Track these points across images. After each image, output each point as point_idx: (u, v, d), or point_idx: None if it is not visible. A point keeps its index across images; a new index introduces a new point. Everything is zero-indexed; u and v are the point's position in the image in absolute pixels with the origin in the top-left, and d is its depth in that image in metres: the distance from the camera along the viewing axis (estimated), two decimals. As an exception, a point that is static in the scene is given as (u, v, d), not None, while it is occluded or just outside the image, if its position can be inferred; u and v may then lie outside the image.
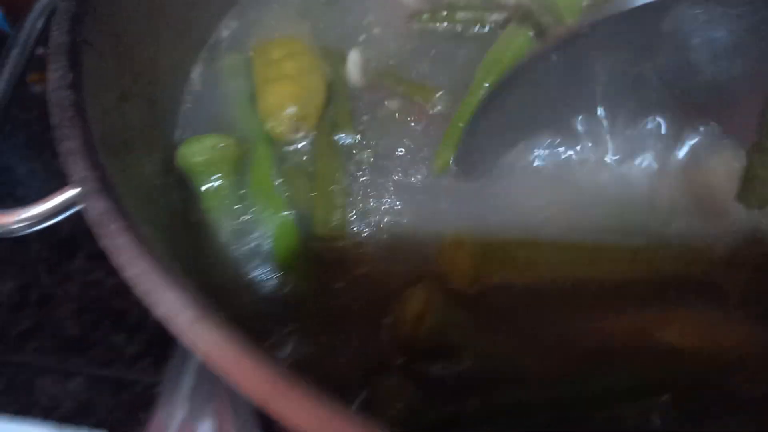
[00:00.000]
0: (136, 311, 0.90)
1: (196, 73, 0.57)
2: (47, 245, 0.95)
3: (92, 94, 0.38)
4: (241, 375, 0.27)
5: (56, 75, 0.36)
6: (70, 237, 0.95)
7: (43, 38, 0.54)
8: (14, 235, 0.43)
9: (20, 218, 0.43)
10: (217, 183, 0.49)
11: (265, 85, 0.52)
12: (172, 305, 0.29)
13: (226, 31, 0.60)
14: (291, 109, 0.50)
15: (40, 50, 0.52)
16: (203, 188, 0.48)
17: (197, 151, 0.49)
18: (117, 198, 0.32)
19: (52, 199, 0.43)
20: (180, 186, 0.51)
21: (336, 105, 0.53)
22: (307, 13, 0.60)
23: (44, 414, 0.82)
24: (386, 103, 0.53)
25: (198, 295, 0.30)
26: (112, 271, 0.95)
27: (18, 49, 0.50)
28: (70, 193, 0.43)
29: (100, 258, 0.96)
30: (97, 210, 0.31)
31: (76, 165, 0.33)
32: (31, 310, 0.89)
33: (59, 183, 1.07)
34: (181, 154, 0.49)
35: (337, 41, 0.58)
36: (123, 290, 0.95)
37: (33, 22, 0.52)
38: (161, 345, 0.88)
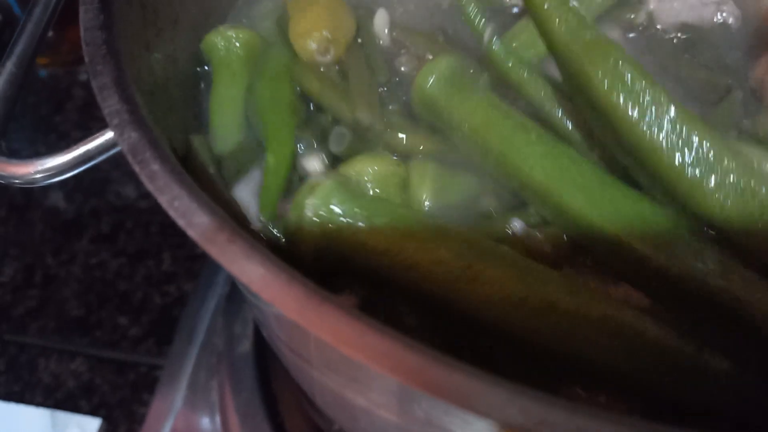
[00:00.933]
0: (140, 293, 0.90)
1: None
2: (52, 227, 0.95)
3: (121, 37, 0.38)
4: (276, 290, 0.27)
5: (88, 16, 0.37)
6: (75, 218, 0.95)
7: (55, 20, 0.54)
8: (36, 185, 0.43)
9: (42, 168, 0.43)
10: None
11: (298, 12, 0.54)
12: (207, 226, 0.29)
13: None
14: (323, 31, 0.52)
15: (50, 33, 0.52)
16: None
17: (219, 32, 0.53)
18: (149, 128, 0.32)
19: (73, 150, 0.43)
20: (199, 121, 0.52)
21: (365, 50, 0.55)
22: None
23: (46, 393, 0.81)
24: (405, 60, 0.54)
25: (227, 216, 0.30)
26: (117, 254, 0.96)
27: (30, 29, 0.50)
28: (92, 144, 0.43)
29: (104, 240, 0.96)
30: (132, 139, 0.32)
31: (111, 98, 0.33)
32: (35, 291, 0.89)
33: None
34: (208, 37, 0.53)
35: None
36: (127, 272, 0.96)
37: (45, 3, 0.52)
38: (164, 327, 0.88)
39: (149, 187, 0.31)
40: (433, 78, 0.44)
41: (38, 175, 0.43)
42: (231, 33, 0.53)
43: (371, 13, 0.58)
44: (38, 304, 0.89)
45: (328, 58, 0.53)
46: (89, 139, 0.43)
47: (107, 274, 0.91)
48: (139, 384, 0.84)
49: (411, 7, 0.58)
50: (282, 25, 0.57)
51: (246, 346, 0.70)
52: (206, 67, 0.54)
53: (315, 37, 0.52)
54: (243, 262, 0.28)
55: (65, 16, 0.52)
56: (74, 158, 0.43)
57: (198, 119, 0.52)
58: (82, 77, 1.06)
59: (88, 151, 0.43)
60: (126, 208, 0.95)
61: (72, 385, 0.84)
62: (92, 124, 1.03)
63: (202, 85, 0.54)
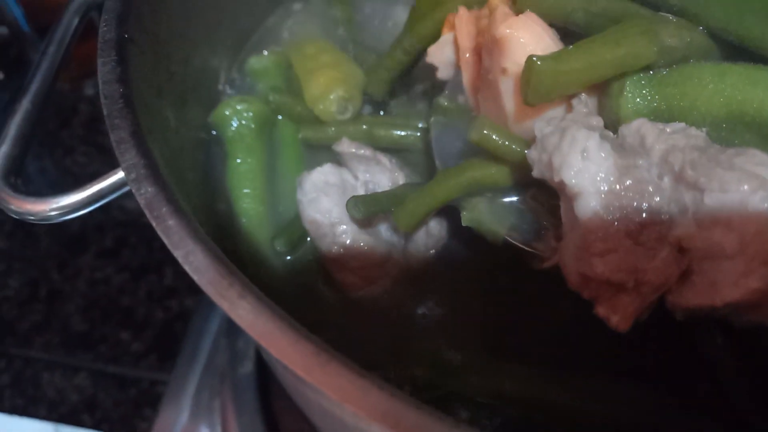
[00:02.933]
0: (143, 308, 0.92)
1: (224, 75, 0.60)
2: (57, 242, 0.97)
3: (137, 88, 0.40)
4: (283, 348, 0.29)
5: (106, 69, 0.38)
6: (80, 234, 0.97)
7: (76, 37, 0.56)
8: (50, 222, 0.45)
9: (57, 206, 0.44)
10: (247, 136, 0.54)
11: (308, 75, 0.56)
12: (220, 282, 0.31)
13: (254, 37, 0.63)
14: (339, 91, 0.54)
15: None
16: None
17: (229, 105, 0.54)
18: (166, 183, 0.34)
19: (87, 189, 0.45)
20: (209, 184, 0.54)
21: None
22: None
23: (50, 407, 0.83)
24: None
25: (240, 272, 0.32)
26: (121, 269, 0.98)
27: (54, 47, 0.52)
28: (104, 183, 0.44)
29: (108, 255, 0.97)
30: (149, 194, 0.33)
31: (128, 152, 0.35)
32: (40, 306, 0.90)
33: (70, 180, 1.10)
34: (218, 110, 0.54)
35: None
36: (130, 287, 0.98)
37: (68, 21, 0.54)
38: (166, 342, 0.89)
39: (165, 241, 0.32)
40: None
41: (53, 213, 0.45)
42: (241, 106, 0.54)
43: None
44: (43, 318, 0.91)
45: (348, 115, 0.55)
46: (103, 177, 0.45)
47: (111, 289, 0.93)
48: (141, 399, 0.85)
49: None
50: (288, 78, 0.59)
51: (248, 366, 0.71)
52: (213, 132, 0.56)
53: (333, 101, 0.54)
54: (252, 318, 0.30)
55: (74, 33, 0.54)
56: (88, 196, 0.45)
57: (212, 187, 0.54)
58: (89, 92, 1.08)
59: (101, 189, 0.45)
60: (129, 223, 0.97)
61: (75, 400, 0.85)
62: (98, 139, 1.04)
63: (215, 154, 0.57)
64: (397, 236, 0.51)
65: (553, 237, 0.43)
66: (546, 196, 0.43)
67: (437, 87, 0.52)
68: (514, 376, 0.47)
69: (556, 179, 0.36)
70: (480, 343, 0.49)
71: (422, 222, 0.49)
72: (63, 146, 1.05)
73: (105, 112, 0.37)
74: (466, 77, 0.47)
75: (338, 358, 0.28)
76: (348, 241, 0.49)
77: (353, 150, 0.52)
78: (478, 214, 0.44)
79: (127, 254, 0.94)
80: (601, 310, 0.35)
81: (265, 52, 0.61)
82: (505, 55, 0.40)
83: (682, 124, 0.37)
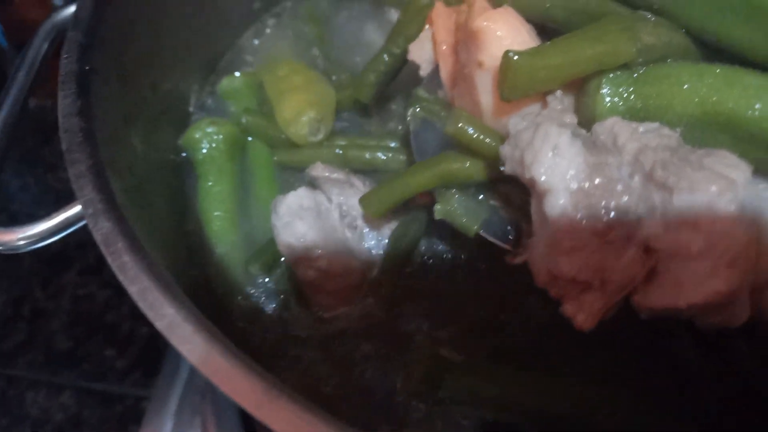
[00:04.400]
0: (127, 325, 0.92)
1: (195, 97, 0.60)
2: (40, 259, 0.96)
3: (99, 119, 0.40)
4: (233, 384, 0.29)
5: (66, 102, 0.39)
6: (63, 251, 0.97)
7: (47, 60, 0.56)
8: (18, 251, 0.45)
9: (24, 235, 0.45)
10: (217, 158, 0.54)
11: (279, 97, 0.56)
12: (172, 319, 0.31)
13: (225, 58, 0.63)
14: (310, 113, 0.54)
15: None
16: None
17: (199, 128, 0.54)
18: (122, 218, 0.34)
19: (55, 217, 0.45)
20: (180, 206, 0.54)
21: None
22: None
23: (35, 427, 0.83)
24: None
25: (196, 309, 0.32)
26: (104, 286, 0.97)
27: (24, 71, 0.52)
28: (72, 211, 0.45)
29: (92, 272, 0.97)
30: (104, 230, 0.34)
31: (85, 187, 0.35)
32: (24, 324, 0.90)
33: (52, 197, 1.08)
34: (188, 133, 0.54)
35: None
36: (114, 304, 0.97)
37: (39, 44, 0.54)
38: (151, 359, 0.89)
39: (120, 277, 0.33)
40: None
41: (21, 242, 0.45)
42: (211, 129, 0.55)
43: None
44: (27, 337, 0.91)
45: (320, 136, 0.55)
46: (69, 206, 0.45)
47: (95, 306, 0.92)
48: (127, 416, 0.85)
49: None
50: (260, 100, 0.59)
51: (228, 384, 0.71)
52: (183, 154, 0.56)
53: (304, 123, 0.54)
54: (204, 356, 0.30)
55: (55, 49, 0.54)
56: (55, 225, 0.45)
57: (183, 209, 0.54)
58: (71, 108, 1.08)
59: (68, 218, 0.45)
60: (113, 240, 0.96)
61: (60, 418, 0.85)
62: (81, 156, 1.04)
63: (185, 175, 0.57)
64: (374, 253, 0.52)
65: (525, 234, 0.43)
66: (519, 193, 0.43)
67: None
68: (491, 379, 0.47)
69: (527, 176, 0.36)
70: (458, 347, 0.49)
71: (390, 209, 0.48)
72: (45, 163, 1.05)
73: (64, 147, 0.37)
74: (444, 71, 0.47)
75: (287, 394, 0.28)
76: (324, 265, 0.49)
77: (326, 174, 0.52)
78: (451, 207, 0.44)
79: (109, 271, 0.93)
80: (567, 309, 0.36)
81: (237, 73, 0.61)
82: (482, 48, 0.40)
83: (656, 124, 0.37)
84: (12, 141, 0.51)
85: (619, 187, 0.35)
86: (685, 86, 0.37)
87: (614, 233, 0.35)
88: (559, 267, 0.35)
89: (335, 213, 0.51)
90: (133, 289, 0.32)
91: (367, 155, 0.55)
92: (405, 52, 0.52)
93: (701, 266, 0.32)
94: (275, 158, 0.57)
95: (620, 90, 0.38)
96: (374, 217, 0.50)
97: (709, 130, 0.37)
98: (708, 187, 0.31)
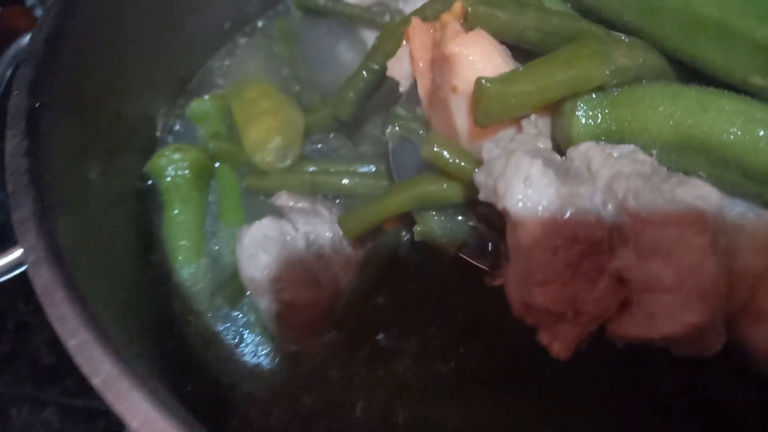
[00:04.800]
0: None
1: (162, 122, 0.59)
2: (23, 274, 0.95)
3: (49, 157, 0.39)
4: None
5: (13, 142, 0.38)
6: (48, 265, 0.96)
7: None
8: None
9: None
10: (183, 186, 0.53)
11: (246, 123, 0.55)
12: (109, 375, 0.30)
13: (195, 79, 0.62)
14: (276, 139, 0.53)
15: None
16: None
17: (164, 155, 0.53)
18: (65, 266, 0.33)
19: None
20: (144, 235, 0.53)
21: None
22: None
23: (18, 442, 0.82)
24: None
25: (136, 364, 0.31)
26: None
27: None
28: (16, 254, 0.43)
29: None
30: (44, 279, 0.33)
31: (28, 233, 0.34)
32: (7, 338, 0.90)
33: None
34: (153, 161, 0.53)
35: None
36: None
37: (3, 71, 0.53)
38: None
39: (57, 329, 0.32)
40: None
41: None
42: (176, 155, 0.54)
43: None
44: (10, 351, 0.90)
45: (288, 162, 0.54)
46: (13, 249, 0.43)
47: (79, 321, 0.92)
48: (110, 431, 0.85)
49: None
50: (229, 123, 0.58)
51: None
52: (149, 181, 0.56)
53: (271, 150, 0.53)
54: (141, 415, 0.29)
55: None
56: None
57: (147, 238, 0.53)
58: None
59: (9, 262, 0.43)
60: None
61: (43, 434, 0.85)
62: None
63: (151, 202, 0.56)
64: (341, 281, 0.51)
65: (503, 255, 0.42)
66: (498, 214, 0.41)
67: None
68: (454, 406, 0.47)
69: (500, 206, 0.36)
70: (424, 373, 0.49)
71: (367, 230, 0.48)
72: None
73: (9, 189, 0.36)
74: (422, 87, 0.46)
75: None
76: (288, 297, 0.48)
77: (291, 203, 0.51)
78: (430, 228, 0.45)
79: (93, 285, 0.94)
80: (543, 338, 0.35)
81: (206, 96, 0.60)
82: (455, 73, 0.40)
83: (631, 147, 0.37)
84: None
85: (592, 219, 0.35)
86: (660, 109, 0.37)
87: (587, 264, 0.35)
88: (533, 298, 0.35)
89: (301, 242, 0.50)
90: (71, 343, 0.31)
91: (337, 181, 0.54)
92: (383, 68, 0.51)
93: (673, 299, 0.32)
94: (243, 184, 0.56)
95: (595, 113, 0.38)
96: (350, 239, 0.49)
97: (684, 153, 0.37)
98: (678, 221, 0.31)
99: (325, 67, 0.63)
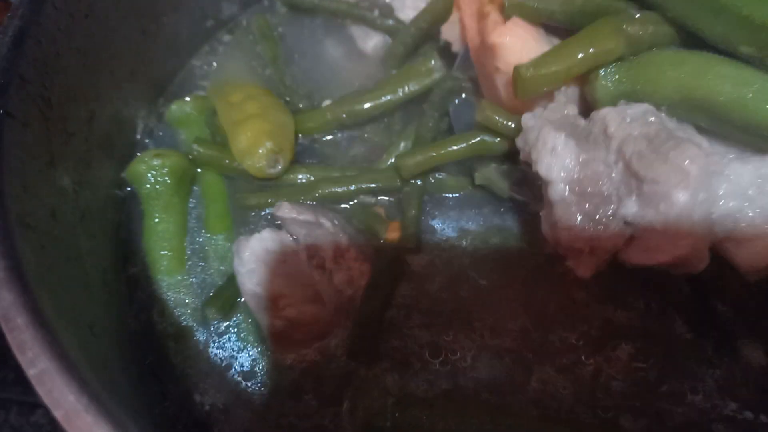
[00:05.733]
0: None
1: (142, 125, 0.57)
2: (11, 274, 0.94)
3: (13, 171, 0.37)
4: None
5: (-27, 154, 0.36)
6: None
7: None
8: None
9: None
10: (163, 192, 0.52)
11: (234, 127, 0.53)
12: (71, 408, 0.28)
13: (175, 80, 0.60)
14: (267, 144, 0.51)
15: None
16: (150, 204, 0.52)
17: (143, 161, 0.52)
18: (28, 289, 0.32)
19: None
20: (123, 245, 0.51)
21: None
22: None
23: (7, 447, 0.81)
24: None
25: (107, 391, 0.30)
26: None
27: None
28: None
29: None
30: (4, 301, 0.31)
31: (-13, 252, 0.32)
32: (-6, 341, 0.89)
33: None
34: (132, 167, 0.52)
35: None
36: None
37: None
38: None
39: (18, 358, 0.30)
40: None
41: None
42: (156, 161, 0.51)
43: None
44: (-2, 354, 0.89)
45: (279, 168, 0.52)
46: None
47: (67, 322, 0.91)
48: (100, 435, 0.84)
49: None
50: (212, 127, 0.56)
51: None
52: (128, 188, 0.53)
53: (261, 155, 0.51)
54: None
55: None
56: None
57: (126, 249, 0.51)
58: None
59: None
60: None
61: (33, 438, 0.84)
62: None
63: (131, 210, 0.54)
64: (344, 294, 0.49)
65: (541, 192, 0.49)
66: None
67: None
68: (443, 414, 0.46)
69: (534, 169, 0.44)
70: (417, 384, 0.47)
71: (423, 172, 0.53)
72: None
73: (-32, 206, 0.34)
74: (473, 53, 0.53)
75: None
76: (293, 314, 0.47)
77: (294, 215, 0.49)
78: (488, 174, 0.53)
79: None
80: (570, 263, 0.45)
81: (188, 98, 0.57)
82: (498, 57, 0.48)
83: (643, 108, 0.44)
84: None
85: (605, 178, 0.43)
86: (667, 73, 0.43)
87: (601, 213, 0.43)
88: (560, 239, 0.45)
89: (303, 255, 0.48)
90: (31, 372, 0.29)
91: (335, 190, 0.53)
92: (430, 27, 0.57)
93: (664, 239, 0.41)
94: (242, 202, 0.54)
95: (614, 78, 0.45)
96: (407, 177, 0.52)
97: (688, 110, 0.43)
98: (668, 180, 0.40)
99: (311, 66, 0.61)
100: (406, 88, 0.55)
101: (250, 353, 0.48)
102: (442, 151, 0.52)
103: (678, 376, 0.47)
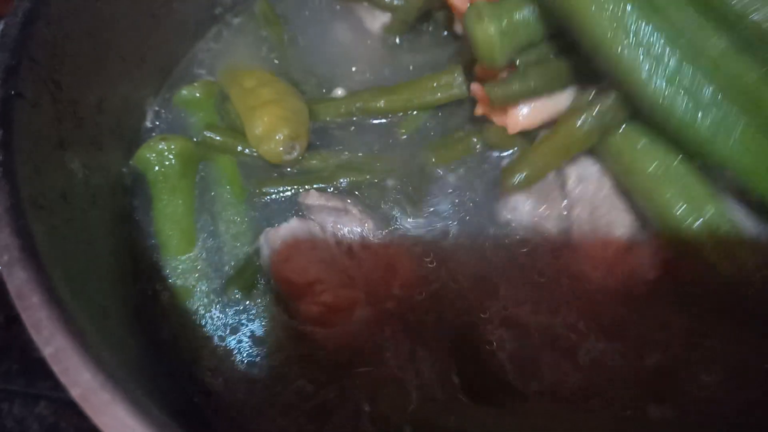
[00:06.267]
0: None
1: (150, 110, 0.57)
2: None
3: (24, 150, 0.37)
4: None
5: (-15, 133, 0.35)
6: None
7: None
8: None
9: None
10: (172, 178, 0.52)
11: (250, 113, 0.52)
12: (88, 386, 0.28)
13: (182, 65, 0.60)
14: (284, 130, 0.51)
15: None
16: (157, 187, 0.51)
17: (150, 146, 0.52)
18: (41, 267, 0.31)
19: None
20: (125, 227, 0.51)
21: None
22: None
23: (11, 438, 0.81)
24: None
25: (117, 372, 0.29)
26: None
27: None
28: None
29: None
30: (19, 280, 0.31)
31: (2, 231, 0.32)
32: (-2, 332, 0.88)
33: None
34: (139, 153, 0.52)
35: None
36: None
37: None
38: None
39: (34, 336, 0.30)
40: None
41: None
42: (162, 146, 0.51)
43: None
44: (1, 346, 0.89)
45: (295, 154, 0.52)
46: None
47: (71, 314, 0.90)
48: (104, 426, 0.83)
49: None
50: (222, 112, 0.55)
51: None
52: (137, 173, 0.53)
53: (278, 141, 0.51)
54: (122, 428, 0.27)
55: None
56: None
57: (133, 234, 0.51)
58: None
59: None
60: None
61: (36, 429, 0.83)
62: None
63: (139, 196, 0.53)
64: (374, 283, 0.49)
65: None
66: None
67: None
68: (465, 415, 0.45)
69: None
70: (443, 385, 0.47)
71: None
72: None
73: (-20, 185, 0.34)
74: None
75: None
76: (330, 299, 0.47)
77: (322, 202, 0.49)
78: None
79: (85, 277, 0.92)
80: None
81: (196, 83, 0.57)
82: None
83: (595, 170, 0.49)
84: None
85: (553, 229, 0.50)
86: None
87: None
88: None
89: (332, 241, 0.48)
90: (47, 351, 0.29)
91: (351, 175, 0.53)
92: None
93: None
94: (260, 188, 0.53)
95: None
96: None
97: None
98: (603, 244, 0.46)
99: (320, 51, 0.60)
100: (424, 97, 0.55)
101: (269, 332, 0.48)
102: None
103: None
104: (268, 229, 0.48)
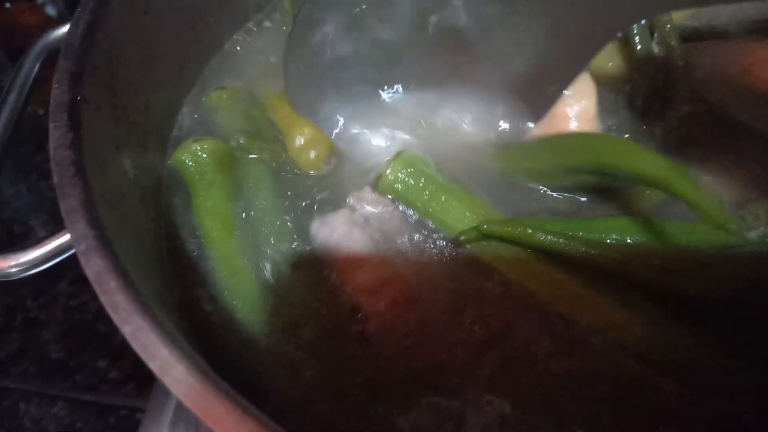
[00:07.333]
0: (120, 335, 0.91)
1: (184, 114, 0.60)
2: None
3: (91, 150, 0.40)
4: (227, 427, 0.29)
5: (57, 134, 0.38)
6: (56, 261, 0.96)
7: (38, 81, 0.56)
8: (11, 278, 0.45)
9: (17, 262, 0.44)
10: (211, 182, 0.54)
11: (292, 122, 0.57)
12: (166, 360, 0.31)
13: (214, 70, 0.63)
14: (324, 143, 0.57)
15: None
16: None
17: (185, 148, 0.55)
18: (115, 255, 0.34)
19: (47, 243, 0.45)
20: (167, 225, 0.54)
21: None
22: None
23: (28, 438, 0.83)
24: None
25: (190, 348, 0.32)
26: (96, 296, 0.96)
27: (15, 93, 0.52)
28: (65, 238, 0.45)
29: (84, 282, 0.96)
30: (97, 268, 0.34)
31: (77, 222, 0.35)
32: (16, 334, 0.90)
33: (46, 206, 1.07)
34: (176, 154, 0.54)
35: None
36: (106, 315, 0.96)
37: (30, 66, 0.54)
38: (144, 369, 0.89)
39: (113, 317, 0.33)
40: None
41: (13, 269, 0.45)
42: (195, 146, 0.54)
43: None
44: (19, 347, 0.90)
45: (332, 164, 0.57)
46: (61, 233, 0.45)
47: (87, 316, 0.92)
48: (120, 427, 0.85)
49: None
50: (250, 117, 0.59)
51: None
52: (174, 175, 0.55)
53: (320, 153, 0.56)
54: (199, 397, 0.30)
55: (47, 57, 0.55)
56: (47, 252, 0.45)
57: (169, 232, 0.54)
58: (63, 115, 1.07)
59: (60, 245, 0.45)
60: (106, 249, 0.96)
61: (53, 429, 0.85)
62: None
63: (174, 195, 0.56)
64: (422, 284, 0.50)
65: None
66: None
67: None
68: None
69: None
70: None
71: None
72: (37, 171, 1.04)
73: (55, 180, 0.37)
74: None
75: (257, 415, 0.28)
76: (392, 294, 0.48)
77: (377, 199, 0.53)
78: None
79: (103, 281, 0.94)
80: None
81: (226, 87, 0.60)
82: None
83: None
84: (3, 159, 0.51)
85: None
86: None
87: None
88: None
89: (376, 235, 0.51)
90: (126, 329, 0.32)
91: None
92: None
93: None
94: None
95: None
96: None
97: None
98: None
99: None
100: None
101: (315, 322, 0.48)
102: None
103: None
104: (315, 220, 0.51)
